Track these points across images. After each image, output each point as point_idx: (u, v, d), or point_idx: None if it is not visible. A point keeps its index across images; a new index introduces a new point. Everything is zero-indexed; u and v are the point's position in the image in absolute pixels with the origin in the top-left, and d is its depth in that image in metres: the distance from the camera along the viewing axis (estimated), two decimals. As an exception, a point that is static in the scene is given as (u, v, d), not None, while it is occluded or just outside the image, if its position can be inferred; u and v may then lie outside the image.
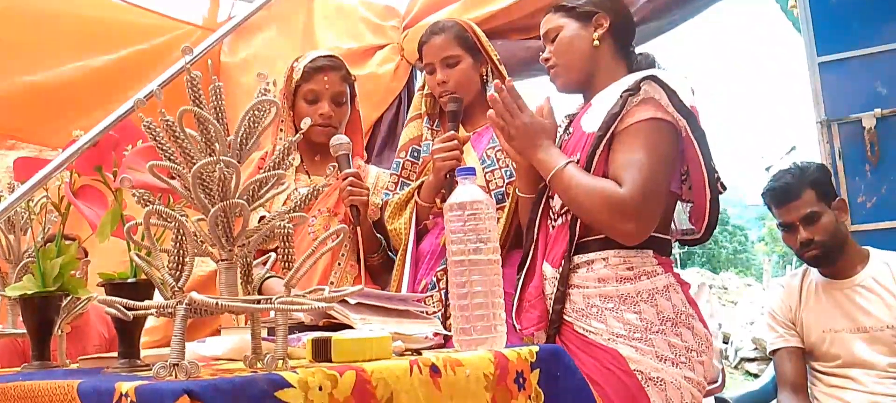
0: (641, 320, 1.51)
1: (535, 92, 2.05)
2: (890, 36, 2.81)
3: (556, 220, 1.65)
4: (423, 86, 2.14)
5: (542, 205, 1.68)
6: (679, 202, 1.70)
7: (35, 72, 2.58)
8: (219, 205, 0.93)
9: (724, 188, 1.64)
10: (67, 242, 1.31)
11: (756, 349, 10.25)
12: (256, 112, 1.00)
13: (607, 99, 1.60)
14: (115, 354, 1.16)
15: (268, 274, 1.74)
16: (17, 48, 2.58)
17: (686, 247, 2.03)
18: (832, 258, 2.14)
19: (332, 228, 1.03)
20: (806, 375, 2.19)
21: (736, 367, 10.35)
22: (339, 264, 2.08)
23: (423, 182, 2.03)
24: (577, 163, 1.57)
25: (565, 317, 1.58)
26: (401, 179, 2.10)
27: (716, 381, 2.29)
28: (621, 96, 1.55)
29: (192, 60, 1.07)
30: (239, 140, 0.98)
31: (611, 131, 1.55)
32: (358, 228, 2.02)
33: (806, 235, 2.12)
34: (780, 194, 2.17)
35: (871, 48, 2.86)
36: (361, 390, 0.89)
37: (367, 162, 2.43)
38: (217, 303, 0.87)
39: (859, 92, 2.87)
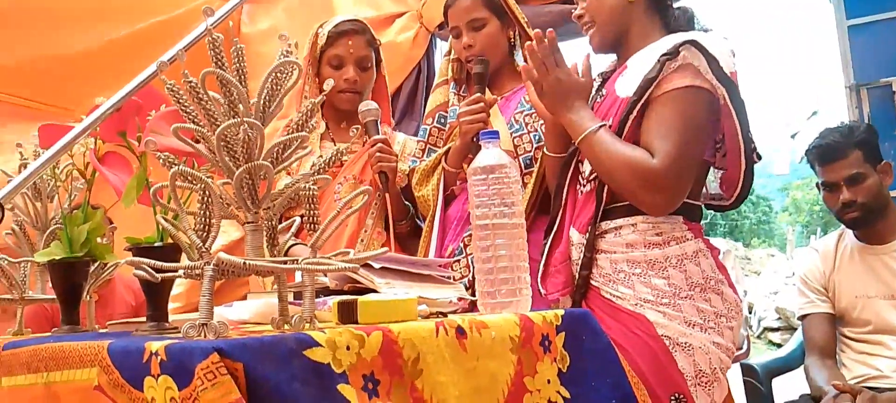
0: (669, 285, 1.49)
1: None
2: (922, -3, 2.75)
3: (584, 186, 1.62)
4: (450, 51, 2.10)
5: (571, 170, 1.64)
6: (711, 168, 1.66)
7: (58, 44, 2.60)
8: (243, 167, 0.92)
9: (760, 158, 1.59)
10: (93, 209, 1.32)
11: (779, 318, 10.21)
12: (279, 74, 0.99)
13: (644, 61, 1.54)
14: (143, 319, 1.17)
15: (294, 242, 1.75)
16: (41, 20, 2.59)
17: (709, 217, 2.00)
18: (871, 221, 2.10)
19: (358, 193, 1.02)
20: (835, 341, 2.16)
21: (759, 336, 10.32)
22: (366, 231, 2.06)
23: (450, 147, 2.00)
24: (610, 127, 1.53)
25: (592, 283, 1.57)
26: (428, 146, 2.08)
27: (741, 348, 2.27)
28: (658, 60, 1.49)
29: (214, 23, 1.06)
30: (262, 102, 0.97)
31: (646, 97, 1.49)
32: (386, 195, 1.99)
33: (849, 196, 2.08)
34: (827, 152, 2.11)
35: (902, 10, 2.79)
36: (388, 350, 0.89)
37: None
38: (244, 264, 0.87)
39: (889, 55, 2.81)
